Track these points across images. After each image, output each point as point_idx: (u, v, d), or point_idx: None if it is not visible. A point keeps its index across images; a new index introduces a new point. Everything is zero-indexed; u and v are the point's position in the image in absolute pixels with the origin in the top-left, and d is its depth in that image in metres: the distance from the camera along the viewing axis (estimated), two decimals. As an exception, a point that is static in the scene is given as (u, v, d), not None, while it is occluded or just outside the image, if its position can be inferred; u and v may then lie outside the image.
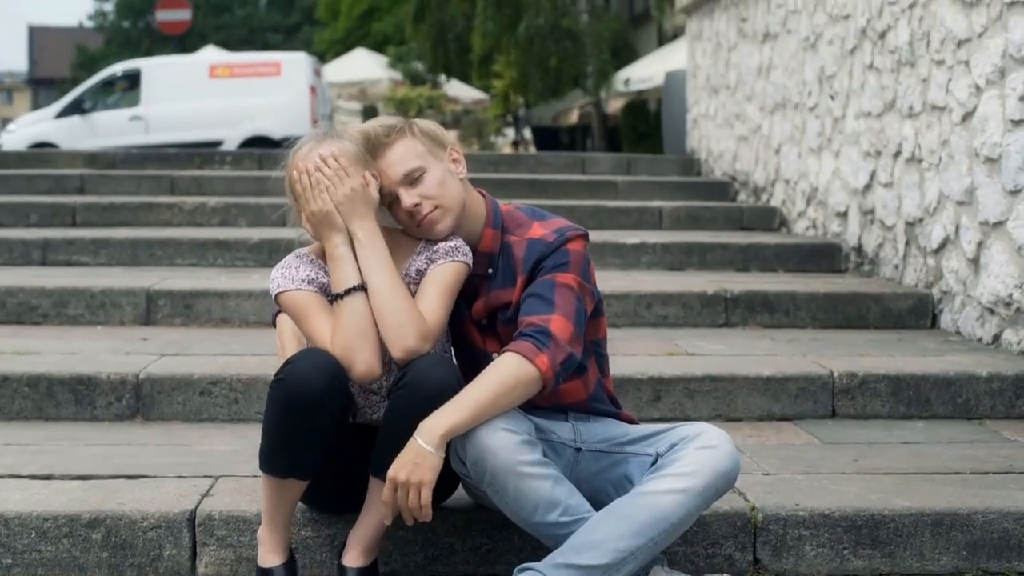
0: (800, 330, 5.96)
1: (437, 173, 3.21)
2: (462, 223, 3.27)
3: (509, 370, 3.01)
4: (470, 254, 3.23)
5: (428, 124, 3.33)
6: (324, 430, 3.04)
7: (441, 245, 3.21)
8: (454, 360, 3.33)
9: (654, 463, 3.12)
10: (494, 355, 3.17)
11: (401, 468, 2.95)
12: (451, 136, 3.42)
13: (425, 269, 3.20)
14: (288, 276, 3.16)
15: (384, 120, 3.29)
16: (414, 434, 2.95)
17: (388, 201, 3.23)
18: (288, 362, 3.05)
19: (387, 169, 3.20)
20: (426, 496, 2.94)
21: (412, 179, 3.19)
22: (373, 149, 3.21)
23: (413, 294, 3.16)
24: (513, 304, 3.21)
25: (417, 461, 2.94)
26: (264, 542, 3.19)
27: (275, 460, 3.07)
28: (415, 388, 3.01)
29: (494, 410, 2.98)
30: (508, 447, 2.95)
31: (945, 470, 3.94)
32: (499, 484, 2.98)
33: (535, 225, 3.27)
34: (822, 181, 7.71)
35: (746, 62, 9.57)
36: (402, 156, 3.21)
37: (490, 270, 3.26)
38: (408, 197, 3.19)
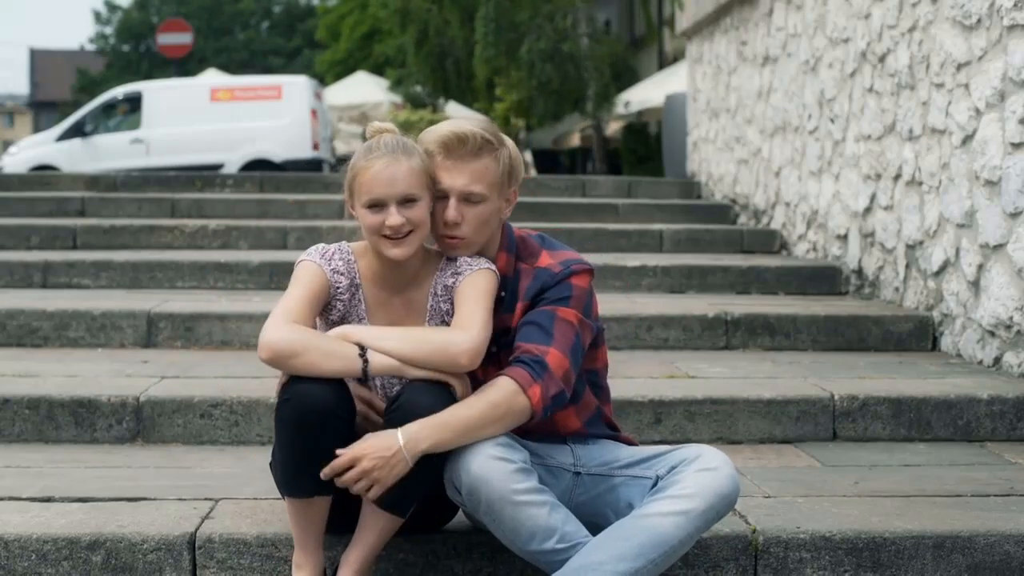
0: (801, 353, 5.96)
1: (487, 209, 3.18)
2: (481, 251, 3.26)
3: (501, 396, 3.01)
4: (494, 265, 3.23)
5: (517, 157, 3.26)
6: (339, 440, 3.02)
7: (463, 259, 3.22)
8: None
9: (654, 485, 3.11)
10: None
11: (370, 456, 2.94)
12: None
13: (452, 284, 3.21)
14: (322, 254, 3.21)
15: (485, 131, 3.18)
16: (399, 430, 2.95)
17: (439, 195, 3.18)
18: (289, 382, 3.04)
19: (455, 173, 3.16)
20: (374, 494, 2.95)
21: (467, 198, 3.16)
22: (457, 149, 3.15)
23: (442, 310, 3.21)
24: (512, 330, 3.19)
25: (392, 463, 2.93)
26: (301, 567, 3.13)
27: (298, 481, 3.06)
28: (408, 411, 3.02)
29: (480, 434, 2.97)
30: (502, 477, 2.94)
31: (946, 492, 3.94)
32: (495, 513, 2.97)
33: (544, 254, 3.26)
34: (822, 204, 7.72)
35: (746, 85, 9.59)
36: (475, 176, 3.16)
37: (502, 293, 3.24)
38: (453, 210, 3.16)
